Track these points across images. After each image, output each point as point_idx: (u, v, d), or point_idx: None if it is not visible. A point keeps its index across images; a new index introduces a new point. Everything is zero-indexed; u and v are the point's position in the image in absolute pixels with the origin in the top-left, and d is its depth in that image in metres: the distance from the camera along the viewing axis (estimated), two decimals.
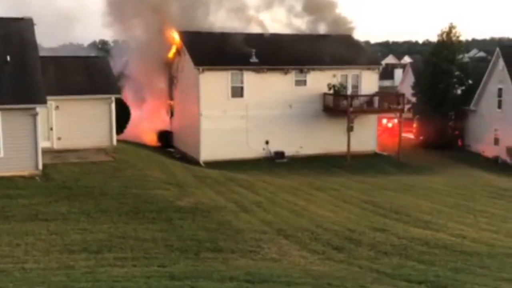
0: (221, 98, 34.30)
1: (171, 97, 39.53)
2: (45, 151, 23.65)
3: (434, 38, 49.64)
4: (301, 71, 35.95)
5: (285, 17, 42.27)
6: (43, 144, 23.28)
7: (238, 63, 34.64)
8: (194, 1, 39.42)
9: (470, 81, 44.15)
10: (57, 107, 26.57)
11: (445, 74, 43.21)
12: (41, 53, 25.12)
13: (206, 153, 33.98)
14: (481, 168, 36.13)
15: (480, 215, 21.24)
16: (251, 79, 34.88)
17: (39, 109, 21.82)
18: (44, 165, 22.22)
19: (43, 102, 21.81)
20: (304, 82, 36.14)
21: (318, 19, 40.95)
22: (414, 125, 47.36)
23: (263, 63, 35.04)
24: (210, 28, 37.25)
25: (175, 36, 36.75)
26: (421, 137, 45.48)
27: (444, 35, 44.31)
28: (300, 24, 41.30)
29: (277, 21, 41.64)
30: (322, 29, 40.88)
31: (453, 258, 14.48)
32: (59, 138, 26.82)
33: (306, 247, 15.17)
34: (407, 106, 41.90)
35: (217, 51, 34.95)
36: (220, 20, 39.17)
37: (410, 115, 46.46)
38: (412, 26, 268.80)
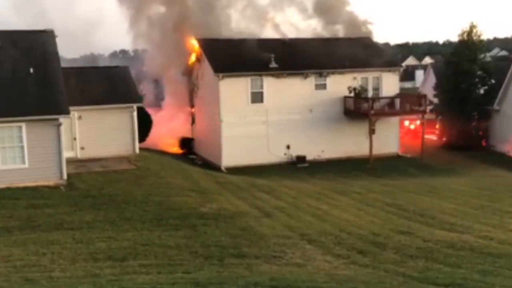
0: (241, 104, 34.37)
1: (192, 105, 39.77)
2: (69, 161, 23.96)
3: (454, 38, 49.09)
4: (320, 74, 35.86)
5: (298, 21, 42.55)
6: (67, 154, 23.56)
7: (257, 68, 34.70)
8: (211, 8, 39.73)
9: (492, 81, 43.51)
10: (80, 117, 26.90)
11: (467, 74, 42.67)
12: (63, 65, 25.49)
13: (228, 159, 34.05)
14: (507, 169, 35.54)
15: (506, 216, 20.87)
16: (270, 84, 34.90)
17: (63, 119, 22.10)
18: (69, 175, 22.50)
19: (66, 112, 22.11)
20: (324, 86, 36.02)
21: (331, 20, 40.93)
22: (437, 126, 46.87)
23: (283, 68, 35.04)
24: (227, 33, 37.47)
25: (194, 44, 36.99)
26: (444, 138, 44.96)
27: (465, 35, 43.79)
28: (316, 27, 41.47)
29: (292, 25, 41.85)
30: (339, 31, 40.86)
31: (480, 260, 14.26)
32: (82, 148, 27.14)
33: (331, 251, 15.08)
34: (429, 107, 41.47)
35: (236, 57, 35.08)
36: (237, 25, 39.52)
37: (432, 116, 45.98)
38: (432, 26, 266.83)
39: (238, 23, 38.99)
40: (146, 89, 41.53)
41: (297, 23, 41.96)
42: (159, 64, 39.65)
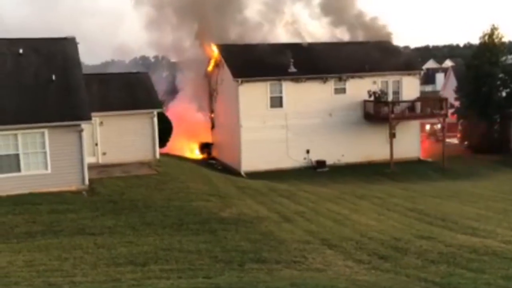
0: (260, 109, 34.42)
1: (211, 110, 39.92)
2: (91, 166, 24.19)
3: (475, 41, 48.61)
4: (340, 79, 35.75)
5: (308, 21, 42.72)
6: (88, 159, 23.81)
7: (276, 73, 34.72)
8: (230, 14, 39.96)
9: None
10: (101, 123, 27.19)
11: (488, 77, 42.20)
12: (84, 71, 25.79)
13: (247, 164, 34.09)
14: None
15: None
16: (290, 89, 34.89)
17: (84, 125, 22.36)
18: (90, 180, 22.72)
19: (88, 118, 22.34)
20: (343, 90, 35.91)
21: (339, 19, 40.92)
22: (458, 130, 46.39)
23: (302, 72, 35.01)
24: (243, 38, 37.65)
25: (214, 50, 37.17)
26: (465, 142, 44.50)
27: (486, 37, 43.36)
28: (324, 26, 41.54)
29: (302, 25, 42.02)
30: (348, 31, 40.78)
31: (504, 265, 14.05)
32: (104, 153, 27.41)
33: (351, 256, 14.99)
34: (450, 111, 41.10)
35: (255, 62, 35.12)
36: (256, 30, 39.77)
37: (453, 120, 45.54)
38: (452, 29, 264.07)
39: (260, 34, 39.21)
40: (167, 100, 41.60)
41: (309, 25, 42.23)
42: (182, 78, 39.90)
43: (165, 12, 41.45)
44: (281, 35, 41.35)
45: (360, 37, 40.52)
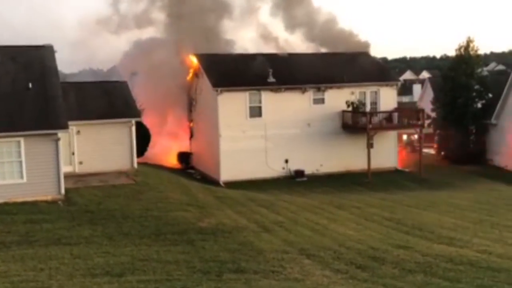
0: (239, 119, 34.46)
1: (190, 119, 39.83)
2: (67, 176, 23.91)
3: (452, 53, 49.49)
4: (318, 89, 35.99)
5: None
6: (65, 168, 23.53)
7: (255, 83, 34.83)
8: (208, 24, 40.09)
9: (490, 95, 43.77)
10: (78, 132, 26.92)
11: (464, 89, 42.93)
12: (62, 79, 25.54)
13: (226, 174, 34.04)
14: (505, 182, 35.60)
15: (505, 230, 20.87)
16: (269, 99, 35.00)
17: (61, 134, 22.12)
18: (67, 190, 22.46)
19: (65, 127, 22.12)
20: (322, 100, 36.14)
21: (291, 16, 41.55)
22: (435, 140, 46.98)
23: (281, 82, 35.18)
24: (224, 47, 37.81)
25: (193, 59, 37.15)
26: (442, 153, 45.07)
27: (462, 49, 44.14)
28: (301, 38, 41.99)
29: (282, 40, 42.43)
30: (331, 44, 41.26)
31: (480, 274, 14.23)
32: (80, 162, 27.12)
33: (329, 266, 15.03)
34: (427, 122, 41.62)
35: (235, 72, 35.24)
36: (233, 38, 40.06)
37: (430, 130, 46.10)
38: (429, 41, 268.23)
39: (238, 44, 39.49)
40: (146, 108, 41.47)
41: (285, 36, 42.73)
42: (161, 87, 39.91)
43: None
44: (257, 45, 41.74)
45: (339, 48, 40.87)
